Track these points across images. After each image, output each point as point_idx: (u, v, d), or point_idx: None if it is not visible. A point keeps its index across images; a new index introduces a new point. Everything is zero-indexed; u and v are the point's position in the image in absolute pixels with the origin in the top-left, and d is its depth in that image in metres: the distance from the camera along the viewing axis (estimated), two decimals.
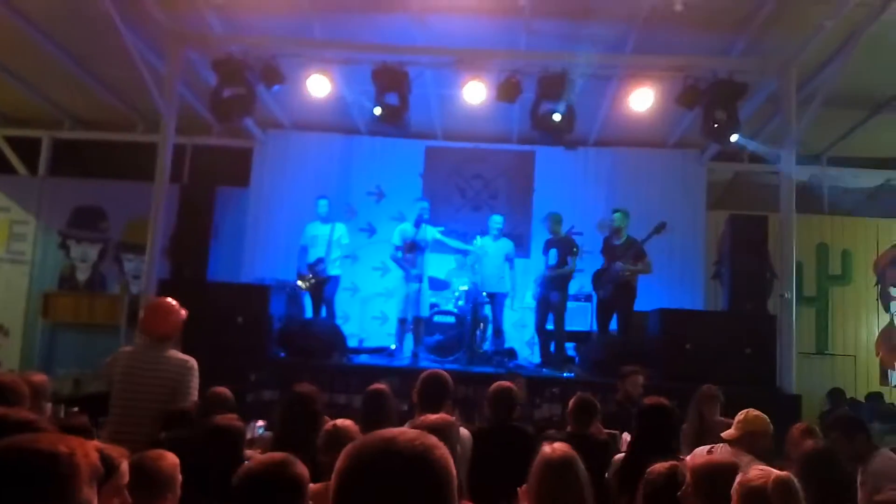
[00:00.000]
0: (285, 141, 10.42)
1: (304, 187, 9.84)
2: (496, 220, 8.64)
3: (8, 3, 7.24)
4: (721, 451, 3.83)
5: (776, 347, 7.44)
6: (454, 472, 1.07)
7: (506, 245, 8.57)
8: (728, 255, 8.30)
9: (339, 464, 1.08)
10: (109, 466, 1.68)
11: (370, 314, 9.99)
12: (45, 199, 10.47)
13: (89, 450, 1.30)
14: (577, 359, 8.47)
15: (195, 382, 3.96)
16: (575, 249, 8.28)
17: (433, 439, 1.08)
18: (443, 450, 1.08)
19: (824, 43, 7.21)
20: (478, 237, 8.57)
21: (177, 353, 4.01)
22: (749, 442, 3.83)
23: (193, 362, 3.97)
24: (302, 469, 2.13)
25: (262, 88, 8.02)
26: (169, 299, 4.20)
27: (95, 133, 10.61)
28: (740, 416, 3.96)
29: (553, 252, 8.27)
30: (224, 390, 4.11)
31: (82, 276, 10.34)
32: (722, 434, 3.92)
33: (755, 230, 8.02)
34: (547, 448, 2.58)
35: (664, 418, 3.80)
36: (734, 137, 7.77)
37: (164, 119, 7.95)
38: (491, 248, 8.45)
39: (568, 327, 8.56)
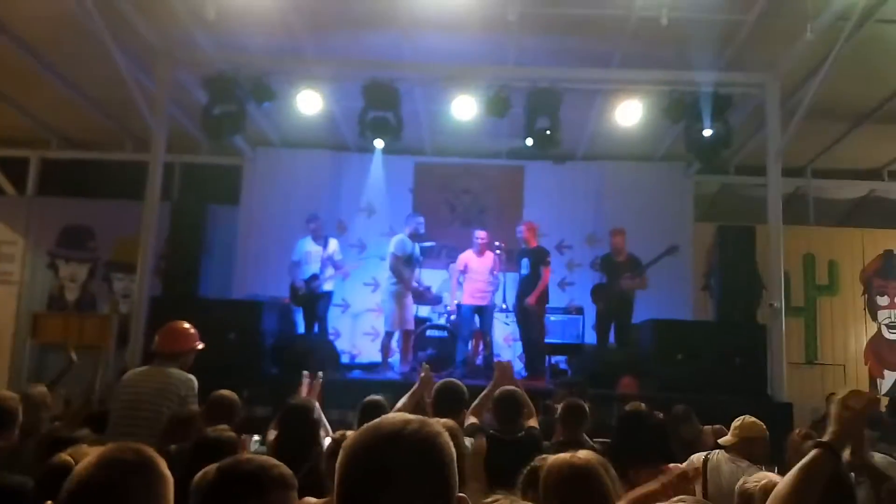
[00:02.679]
0: (275, 158, 10.44)
1: (294, 204, 9.85)
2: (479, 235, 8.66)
3: None
4: (718, 458, 3.87)
5: (766, 357, 7.51)
6: (454, 456, 1.09)
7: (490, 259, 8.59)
8: (717, 267, 8.38)
9: (345, 451, 1.09)
10: None
11: (361, 330, 9.98)
12: (33, 219, 10.41)
13: None
14: (569, 371, 8.49)
15: (195, 400, 3.98)
16: (547, 259, 8.22)
17: (436, 426, 1.10)
18: (446, 436, 1.10)
19: (807, 56, 7.34)
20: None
21: (179, 371, 4.03)
22: (746, 448, 3.86)
23: (195, 380, 4.00)
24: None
25: (253, 106, 8.05)
26: (185, 324, 4.30)
27: (83, 152, 10.59)
28: (737, 422, 3.99)
29: (525, 262, 8.23)
30: (228, 394, 4.09)
31: (71, 296, 10.27)
32: (720, 440, 3.96)
33: (743, 241, 8.11)
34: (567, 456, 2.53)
35: (642, 425, 3.80)
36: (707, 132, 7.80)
37: (155, 137, 7.96)
38: (475, 262, 8.45)
39: (558, 340, 8.60)
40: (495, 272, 8.43)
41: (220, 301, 8.33)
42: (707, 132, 7.72)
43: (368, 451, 1.07)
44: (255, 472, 1.73)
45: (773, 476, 2.71)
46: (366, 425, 1.12)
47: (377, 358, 9.01)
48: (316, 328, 8.42)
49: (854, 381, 10.02)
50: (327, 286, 8.44)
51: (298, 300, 8.32)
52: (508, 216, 10.41)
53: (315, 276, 8.26)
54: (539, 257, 8.20)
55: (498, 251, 8.43)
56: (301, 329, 8.65)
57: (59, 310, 10.17)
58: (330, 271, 8.46)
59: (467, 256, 8.41)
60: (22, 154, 10.64)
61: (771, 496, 1.85)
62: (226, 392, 4.06)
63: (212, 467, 2.26)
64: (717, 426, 4.83)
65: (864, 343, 10.32)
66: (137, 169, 8.65)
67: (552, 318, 8.93)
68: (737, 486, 2.63)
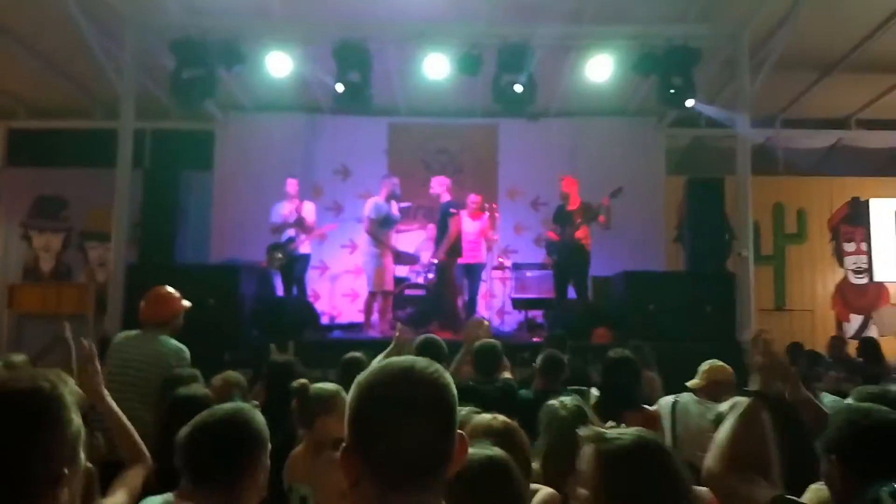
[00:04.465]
0: (247, 122, 10.35)
1: (268, 168, 9.81)
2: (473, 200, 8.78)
3: None
4: (686, 400, 4.04)
5: (735, 304, 7.72)
6: (456, 397, 1.16)
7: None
8: (687, 218, 8.53)
9: (358, 389, 1.14)
10: None
11: (340, 291, 10.07)
12: (4, 191, 10.29)
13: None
14: (545, 325, 8.66)
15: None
16: (451, 211, 8.15)
17: (439, 366, 1.18)
18: (448, 376, 1.17)
19: (775, 7, 7.41)
20: None
21: (170, 340, 4.06)
22: (713, 391, 4.02)
23: (186, 350, 4.02)
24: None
25: (223, 70, 7.95)
26: (168, 287, 4.25)
27: (52, 121, 10.41)
28: (704, 366, 4.14)
29: (440, 218, 8.35)
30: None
31: (46, 266, 10.23)
32: (688, 383, 4.11)
33: (712, 193, 8.24)
34: (557, 404, 2.65)
35: (627, 370, 3.96)
36: (690, 103, 7.94)
37: (124, 104, 7.87)
38: (468, 223, 8.53)
39: (534, 295, 8.76)
40: (488, 233, 8.66)
41: (197, 266, 8.32)
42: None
43: (384, 387, 1.13)
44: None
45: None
46: (374, 367, 1.18)
47: (356, 319, 9.13)
48: (294, 291, 8.48)
49: (822, 326, 10.35)
50: (304, 249, 8.47)
51: (276, 263, 8.35)
52: (484, 174, 10.49)
53: (292, 239, 8.30)
54: (444, 211, 8.21)
55: (487, 213, 8.54)
56: (279, 292, 8.71)
57: (35, 280, 10.12)
58: (305, 234, 8.49)
59: (461, 217, 8.49)
60: None
61: (714, 445, 1.98)
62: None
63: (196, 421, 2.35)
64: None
65: (832, 289, 10.63)
66: (108, 137, 8.54)
67: (528, 273, 9.09)
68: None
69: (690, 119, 10.15)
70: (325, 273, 10.09)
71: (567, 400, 2.64)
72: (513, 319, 9.59)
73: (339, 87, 7.71)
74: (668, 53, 7.75)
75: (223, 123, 10.32)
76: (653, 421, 3.67)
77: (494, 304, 9.67)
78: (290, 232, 8.31)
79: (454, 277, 8.28)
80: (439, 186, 8.36)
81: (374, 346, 7.04)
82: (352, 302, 9.85)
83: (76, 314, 9.26)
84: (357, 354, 4.29)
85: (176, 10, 7.64)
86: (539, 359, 4.40)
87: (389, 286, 8.29)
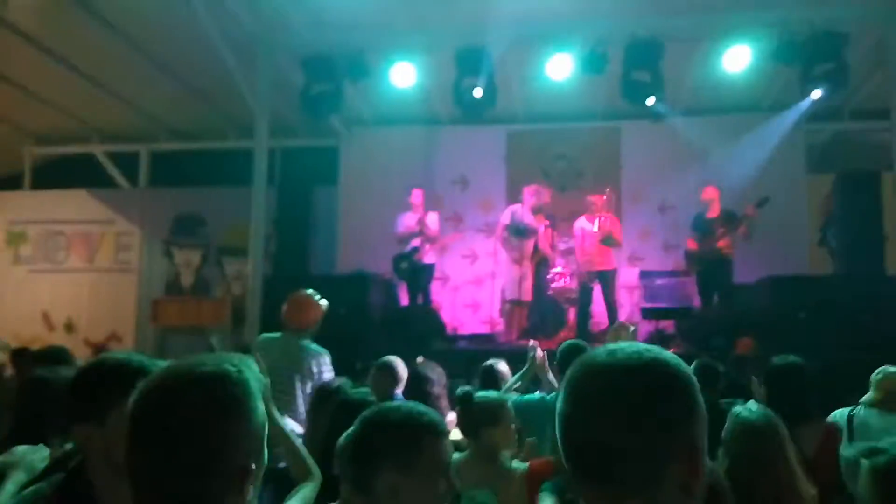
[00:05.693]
0: (368, 136, 10.53)
1: (389, 180, 9.90)
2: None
3: (103, 19, 7.58)
4: (864, 413, 3.61)
5: None
6: (680, 389, 1.00)
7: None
8: (839, 217, 7.87)
9: (569, 371, 1.05)
10: None
11: (462, 302, 10.01)
12: (146, 210, 10.97)
13: None
14: (677, 336, 8.22)
15: (330, 374, 4.07)
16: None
17: (663, 354, 1.03)
18: (652, 369, 1.01)
19: None
20: None
21: (312, 344, 4.16)
22: (892, 402, 3.58)
23: (328, 354, 4.09)
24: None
25: (349, 83, 8.10)
26: (309, 291, 4.34)
27: (190, 143, 11.02)
28: (877, 375, 3.69)
29: None
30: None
31: (186, 281, 10.79)
32: (864, 399, 3.69)
33: (867, 189, 7.57)
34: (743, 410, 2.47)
35: (798, 378, 3.59)
36: (816, 94, 7.33)
37: (258, 124, 8.16)
38: (586, 228, 8.27)
39: (664, 304, 8.35)
40: (605, 227, 8.08)
41: (328, 277, 8.54)
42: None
43: (568, 380, 1.03)
44: (403, 419, 1.67)
45: None
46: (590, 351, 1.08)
47: (479, 330, 9.05)
48: (419, 301, 8.50)
49: None
50: (428, 259, 8.49)
51: (401, 273, 8.41)
52: (606, 179, 10.11)
53: (416, 249, 8.33)
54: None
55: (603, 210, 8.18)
56: (405, 302, 8.76)
57: (176, 294, 10.70)
58: (429, 244, 8.51)
59: (580, 223, 8.25)
60: (133, 148, 11.19)
61: None
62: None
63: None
64: None
65: None
66: (240, 156, 8.91)
67: (658, 281, 8.68)
68: None
69: (833, 111, 9.42)
70: (447, 284, 10.07)
71: (753, 406, 2.40)
72: (641, 330, 9.18)
73: (478, 92, 7.63)
74: (810, 39, 7.20)
75: (346, 138, 10.55)
76: (833, 435, 3.30)
77: (620, 314, 9.27)
78: (415, 242, 8.34)
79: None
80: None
81: (504, 355, 6.92)
82: (474, 313, 9.77)
83: (214, 326, 9.74)
84: (496, 362, 4.18)
85: (304, 26, 7.85)
86: (692, 367, 4.12)
87: (526, 296, 8.13)
